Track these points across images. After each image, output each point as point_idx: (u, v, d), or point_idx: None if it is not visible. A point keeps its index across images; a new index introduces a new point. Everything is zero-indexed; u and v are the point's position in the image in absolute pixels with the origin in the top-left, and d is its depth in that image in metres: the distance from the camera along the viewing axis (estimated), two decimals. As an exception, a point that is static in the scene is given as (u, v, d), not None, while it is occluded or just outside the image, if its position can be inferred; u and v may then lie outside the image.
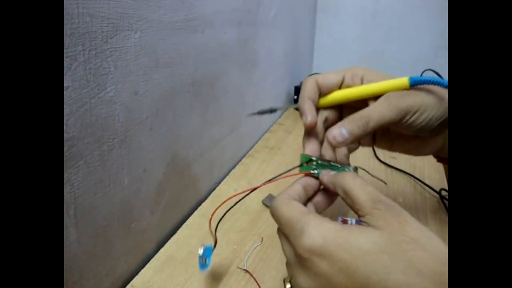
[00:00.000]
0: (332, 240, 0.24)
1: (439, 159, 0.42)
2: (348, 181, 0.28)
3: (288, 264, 0.28)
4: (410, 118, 0.33)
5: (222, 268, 0.41)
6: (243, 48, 0.59)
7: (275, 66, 0.78)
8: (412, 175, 0.61)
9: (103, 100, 0.31)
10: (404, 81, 0.33)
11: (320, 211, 0.32)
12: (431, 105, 0.33)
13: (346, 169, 0.33)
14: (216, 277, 0.39)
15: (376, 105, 0.33)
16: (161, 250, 0.43)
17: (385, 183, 0.58)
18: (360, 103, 0.34)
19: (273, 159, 0.66)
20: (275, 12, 0.70)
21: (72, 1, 0.26)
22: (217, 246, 0.45)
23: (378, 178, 0.58)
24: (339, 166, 0.33)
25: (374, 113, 0.32)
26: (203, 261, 0.35)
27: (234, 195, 0.34)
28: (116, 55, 0.32)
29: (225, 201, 0.34)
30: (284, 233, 0.28)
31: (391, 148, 0.40)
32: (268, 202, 0.51)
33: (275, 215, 0.28)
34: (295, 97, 0.89)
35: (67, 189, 0.29)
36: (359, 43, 1.06)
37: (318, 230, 0.25)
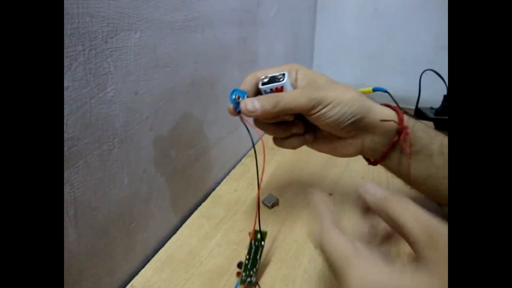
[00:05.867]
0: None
1: (369, 162, 0.43)
2: (397, 209, 0.24)
3: None
4: (321, 109, 0.36)
5: (222, 268, 0.41)
6: (243, 48, 0.59)
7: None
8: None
9: (103, 100, 0.31)
10: None
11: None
12: (344, 101, 0.36)
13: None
14: (216, 277, 0.39)
15: (292, 91, 0.36)
16: (161, 250, 0.43)
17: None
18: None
19: (273, 159, 0.66)
20: (275, 12, 0.70)
21: (72, 1, 0.26)
22: (217, 246, 0.45)
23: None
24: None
25: (287, 96, 0.35)
26: (236, 97, 0.35)
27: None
28: (116, 55, 0.32)
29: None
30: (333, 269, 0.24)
31: (317, 147, 0.43)
32: (268, 202, 0.51)
33: (324, 252, 0.25)
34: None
35: (67, 189, 0.29)
36: (359, 43, 1.06)
37: (361, 279, 0.22)
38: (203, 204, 0.52)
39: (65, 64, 0.27)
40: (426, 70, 0.89)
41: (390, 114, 0.39)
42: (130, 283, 0.39)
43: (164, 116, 0.41)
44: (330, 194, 0.55)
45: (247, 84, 0.37)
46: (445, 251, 0.21)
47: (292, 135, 0.41)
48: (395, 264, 0.23)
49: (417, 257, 0.22)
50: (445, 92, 0.88)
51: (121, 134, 0.34)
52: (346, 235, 0.25)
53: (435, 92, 0.88)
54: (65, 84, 0.27)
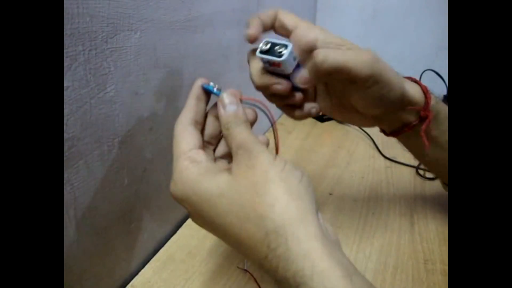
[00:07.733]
0: (189, 186, 0.25)
1: (383, 132, 0.42)
2: (234, 133, 0.27)
3: None
4: (370, 86, 0.32)
5: (222, 268, 0.41)
6: (243, 48, 0.59)
7: (275, 66, 0.78)
8: (415, 167, 0.62)
9: (103, 100, 0.31)
10: None
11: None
12: (392, 83, 0.33)
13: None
14: (216, 277, 0.39)
15: (355, 54, 0.31)
16: (161, 250, 0.43)
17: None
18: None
19: (273, 159, 0.66)
20: (275, 12, 0.70)
21: (72, 1, 0.26)
22: (217, 246, 0.45)
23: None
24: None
25: (348, 62, 0.30)
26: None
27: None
28: (116, 55, 0.32)
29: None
30: None
31: (331, 114, 0.40)
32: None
33: (174, 134, 0.29)
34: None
35: (67, 189, 0.29)
36: (359, 43, 1.04)
37: (180, 177, 0.26)
38: (203, 204, 0.52)
39: (65, 64, 0.27)
40: (426, 70, 0.89)
41: (419, 96, 0.37)
42: (130, 283, 0.39)
43: (164, 116, 0.41)
44: (330, 194, 0.55)
45: (255, 29, 0.33)
46: (241, 160, 0.25)
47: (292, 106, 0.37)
48: (216, 168, 0.26)
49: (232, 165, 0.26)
50: (445, 92, 0.88)
51: (121, 134, 0.34)
52: (194, 134, 0.28)
53: (435, 92, 0.88)
54: (65, 84, 0.27)
